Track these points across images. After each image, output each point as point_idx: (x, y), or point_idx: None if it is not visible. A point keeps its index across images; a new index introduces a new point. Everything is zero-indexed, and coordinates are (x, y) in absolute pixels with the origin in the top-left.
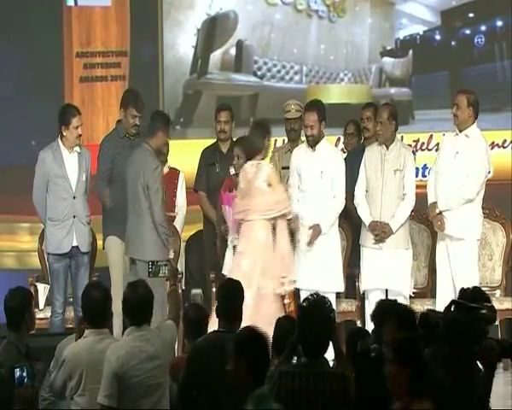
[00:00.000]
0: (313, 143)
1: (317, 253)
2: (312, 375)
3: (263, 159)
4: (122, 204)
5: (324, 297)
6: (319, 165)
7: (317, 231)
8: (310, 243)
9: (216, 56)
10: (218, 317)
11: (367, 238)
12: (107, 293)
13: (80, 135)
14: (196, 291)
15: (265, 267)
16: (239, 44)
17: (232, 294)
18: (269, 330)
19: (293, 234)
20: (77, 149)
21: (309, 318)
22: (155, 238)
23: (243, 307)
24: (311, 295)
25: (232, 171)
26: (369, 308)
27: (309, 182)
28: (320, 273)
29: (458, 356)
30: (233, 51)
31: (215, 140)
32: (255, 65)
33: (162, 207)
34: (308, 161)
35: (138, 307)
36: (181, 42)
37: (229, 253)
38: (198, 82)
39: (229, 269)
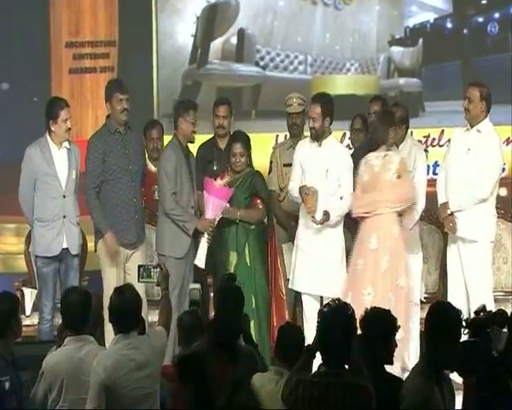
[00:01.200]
0: (315, 136)
1: (319, 254)
2: (333, 385)
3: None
4: (116, 204)
5: (346, 304)
6: (325, 162)
7: (326, 216)
8: (317, 222)
9: (216, 46)
10: (214, 327)
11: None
12: (86, 297)
13: (70, 128)
14: (195, 286)
15: (399, 262)
16: (240, 33)
17: (231, 301)
18: (406, 327)
19: None
20: (66, 144)
21: (331, 325)
22: (167, 232)
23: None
24: (333, 300)
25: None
26: None
27: (313, 179)
28: (322, 276)
29: None
30: (234, 40)
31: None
32: (257, 55)
33: (170, 195)
34: (313, 156)
35: (125, 314)
36: (179, 30)
37: (203, 243)
38: (197, 72)
39: (353, 267)
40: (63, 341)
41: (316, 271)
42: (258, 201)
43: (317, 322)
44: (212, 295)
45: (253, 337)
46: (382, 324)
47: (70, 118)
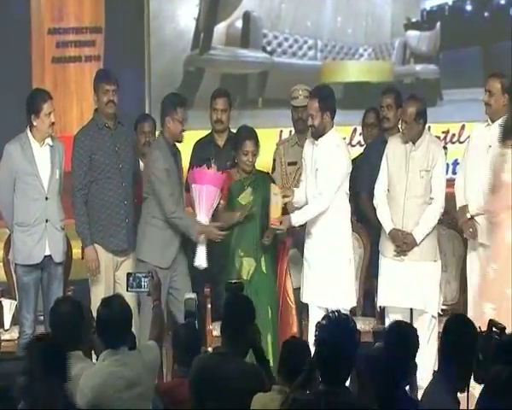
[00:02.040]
0: (316, 134)
1: (324, 262)
2: (332, 405)
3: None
4: (105, 207)
5: (347, 316)
6: (316, 162)
7: (287, 221)
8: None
9: (220, 30)
10: (221, 335)
11: (387, 247)
12: (78, 308)
13: (53, 123)
14: (190, 296)
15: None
16: (246, 16)
17: (241, 312)
18: None
19: None
20: (49, 141)
21: (330, 339)
22: (153, 238)
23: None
24: (332, 312)
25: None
26: None
27: (309, 181)
28: (328, 287)
29: None
30: (239, 24)
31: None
32: (264, 39)
33: (168, 197)
34: (310, 156)
35: (114, 327)
36: (181, 13)
37: (202, 240)
38: (200, 58)
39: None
40: None
41: (321, 282)
42: None
43: (315, 336)
44: (209, 306)
45: (271, 353)
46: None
47: (54, 111)
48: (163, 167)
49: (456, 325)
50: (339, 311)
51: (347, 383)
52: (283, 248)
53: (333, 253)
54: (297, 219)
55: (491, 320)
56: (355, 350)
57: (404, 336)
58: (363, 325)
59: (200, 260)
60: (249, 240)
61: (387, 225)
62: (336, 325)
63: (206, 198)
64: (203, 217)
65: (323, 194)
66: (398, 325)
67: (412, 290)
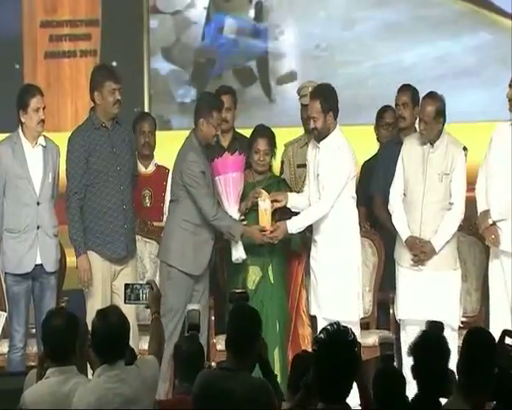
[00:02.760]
0: (319, 137)
1: (330, 271)
2: None
3: None
4: (102, 212)
5: (346, 328)
6: (318, 166)
7: (281, 228)
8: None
9: (232, 19)
10: (226, 349)
11: (403, 256)
12: (73, 321)
13: (43, 120)
14: (193, 307)
15: None
16: (258, 6)
17: (247, 323)
18: None
19: None
20: (41, 141)
21: (327, 353)
22: (184, 244)
23: None
24: (331, 325)
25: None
26: (407, 341)
27: (312, 187)
28: (334, 297)
29: None
30: (252, 14)
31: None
32: (276, 30)
33: (209, 200)
34: (313, 160)
35: (110, 341)
36: (191, 2)
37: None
38: (211, 49)
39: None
40: (44, 372)
41: (327, 292)
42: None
43: (312, 350)
44: (213, 318)
45: (278, 367)
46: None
47: (44, 108)
48: (199, 170)
49: (475, 339)
50: (338, 323)
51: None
52: (298, 259)
53: (339, 261)
54: (294, 225)
55: (505, 331)
56: (355, 365)
57: (436, 345)
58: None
59: (239, 252)
60: (255, 247)
61: (404, 233)
62: (335, 339)
63: (233, 187)
64: (233, 207)
65: (324, 198)
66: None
67: (430, 302)
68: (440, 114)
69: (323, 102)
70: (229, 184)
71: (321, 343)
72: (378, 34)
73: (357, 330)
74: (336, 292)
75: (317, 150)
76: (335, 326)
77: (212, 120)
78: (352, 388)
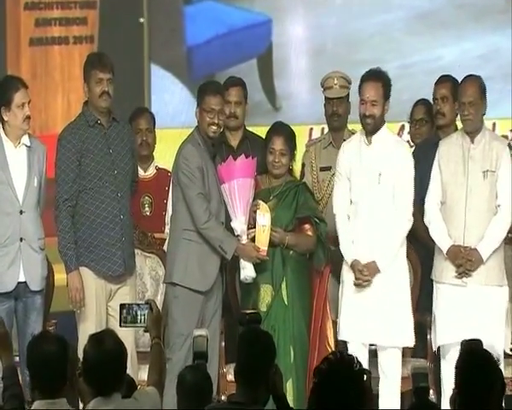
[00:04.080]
0: (373, 129)
1: (374, 290)
2: None
3: None
4: (96, 223)
5: (351, 356)
6: (376, 164)
7: (372, 269)
8: (357, 284)
9: None
10: (236, 380)
11: (444, 271)
12: (63, 346)
13: (29, 117)
14: (201, 332)
15: None
16: None
17: (260, 349)
18: None
19: None
20: (25, 141)
21: (330, 386)
22: (188, 256)
23: None
24: (333, 353)
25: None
26: (448, 371)
27: (362, 190)
28: (379, 320)
29: None
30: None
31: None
32: (281, 21)
33: (201, 203)
34: (362, 159)
35: (105, 369)
36: None
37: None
38: (200, 44)
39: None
40: (30, 405)
41: (370, 312)
42: (308, 226)
43: (313, 383)
44: (223, 344)
45: (291, 400)
46: None
47: (29, 103)
48: (195, 166)
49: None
50: (341, 352)
51: None
52: (320, 278)
53: (385, 276)
54: (384, 261)
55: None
56: (363, 400)
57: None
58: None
59: (247, 270)
60: (267, 263)
61: (445, 243)
62: (339, 369)
63: (239, 195)
64: (240, 219)
65: (404, 211)
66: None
67: (476, 322)
68: (484, 93)
69: (385, 87)
70: (234, 192)
71: (323, 375)
72: (408, 26)
73: (398, 358)
74: (378, 311)
75: (364, 147)
76: (339, 354)
77: (205, 106)
78: None
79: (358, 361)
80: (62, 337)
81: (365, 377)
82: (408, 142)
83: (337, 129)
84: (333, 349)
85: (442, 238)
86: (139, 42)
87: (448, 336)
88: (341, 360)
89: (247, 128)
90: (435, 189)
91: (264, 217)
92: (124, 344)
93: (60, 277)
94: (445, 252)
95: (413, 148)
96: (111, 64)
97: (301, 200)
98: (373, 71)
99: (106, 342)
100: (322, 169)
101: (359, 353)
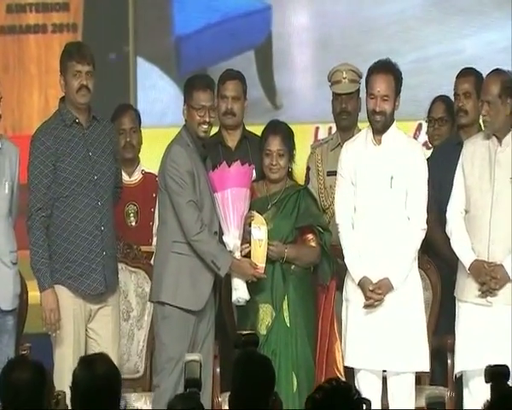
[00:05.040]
0: (382, 127)
1: (384, 309)
2: None
3: None
4: (74, 234)
5: (348, 385)
6: (388, 166)
7: (385, 287)
8: (369, 305)
9: None
10: (230, 407)
11: (467, 288)
12: (40, 373)
13: None
14: (194, 357)
15: None
16: None
17: (257, 375)
18: None
19: None
20: None
21: None
22: (179, 273)
23: None
24: (329, 381)
25: (254, 174)
26: (471, 402)
27: (370, 195)
28: (390, 343)
29: None
30: None
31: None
32: (283, 9)
33: (192, 212)
34: (369, 160)
35: (97, 397)
36: None
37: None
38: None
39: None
40: None
41: (380, 336)
42: (311, 236)
43: None
44: (218, 370)
45: None
46: None
47: (0, 100)
48: (185, 169)
49: None
50: (337, 379)
51: None
52: (326, 294)
53: (396, 295)
54: (399, 277)
55: None
56: None
57: None
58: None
59: (240, 291)
60: (266, 280)
61: (468, 257)
62: (333, 399)
63: (233, 206)
64: (233, 233)
65: (417, 219)
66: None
67: (502, 345)
68: (508, 92)
69: (397, 80)
70: (228, 203)
71: (317, 405)
72: (425, 14)
73: (411, 384)
74: (390, 335)
75: (372, 147)
76: (335, 383)
77: (193, 102)
78: None
79: (357, 390)
80: (40, 363)
81: (364, 407)
82: (425, 143)
83: (346, 128)
84: (342, 374)
85: (464, 252)
86: (126, 31)
87: (470, 362)
88: (337, 389)
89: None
90: (458, 195)
91: (260, 230)
92: (116, 367)
93: (34, 294)
94: (467, 268)
95: (431, 150)
96: (91, 55)
97: (302, 206)
98: (382, 62)
99: (98, 366)
100: (330, 174)
101: (369, 381)
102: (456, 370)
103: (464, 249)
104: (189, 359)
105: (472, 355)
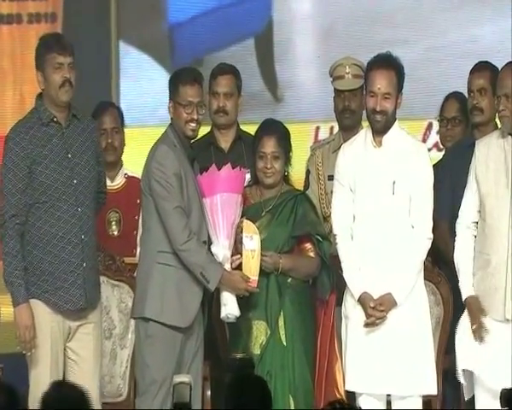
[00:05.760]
0: (383, 127)
1: (387, 327)
2: None
3: None
4: (51, 244)
5: (352, 407)
6: (390, 170)
7: (388, 304)
8: (370, 323)
9: None
10: None
11: (485, 303)
12: (13, 397)
13: None
14: (183, 379)
15: None
16: None
17: (251, 399)
18: None
19: None
20: None
21: None
22: (161, 281)
23: None
24: (331, 404)
25: (248, 176)
26: None
27: (370, 202)
28: (394, 364)
29: None
30: None
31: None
32: None
33: (179, 219)
34: (369, 164)
35: None
36: None
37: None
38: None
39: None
40: None
41: (383, 358)
42: (309, 245)
43: None
44: (209, 393)
45: None
46: None
47: None
48: (172, 172)
49: None
50: (341, 401)
51: None
52: (325, 309)
53: (400, 312)
54: (402, 292)
55: None
56: None
57: None
58: None
59: (229, 307)
60: (260, 294)
61: (467, 284)
62: None
63: (223, 214)
64: (224, 243)
65: (422, 228)
66: None
67: None
68: None
69: (399, 76)
70: (217, 210)
71: None
72: (437, 1)
73: (418, 406)
74: (407, 357)
75: (371, 150)
76: (338, 406)
77: (180, 99)
78: None
79: None
80: (11, 386)
81: None
82: (436, 144)
83: (349, 128)
84: (343, 396)
85: (463, 279)
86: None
87: (488, 384)
88: None
89: (242, 126)
90: (469, 205)
91: (252, 240)
92: (84, 391)
93: (6, 310)
94: (463, 299)
95: (442, 151)
96: (71, 46)
97: (300, 213)
98: (383, 57)
99: (68, 390)
100: (331, 178)
101: (372, 405)
102: (470, 393)
103: (466, 274)
104: (177, 381)
105: (489, 377)
